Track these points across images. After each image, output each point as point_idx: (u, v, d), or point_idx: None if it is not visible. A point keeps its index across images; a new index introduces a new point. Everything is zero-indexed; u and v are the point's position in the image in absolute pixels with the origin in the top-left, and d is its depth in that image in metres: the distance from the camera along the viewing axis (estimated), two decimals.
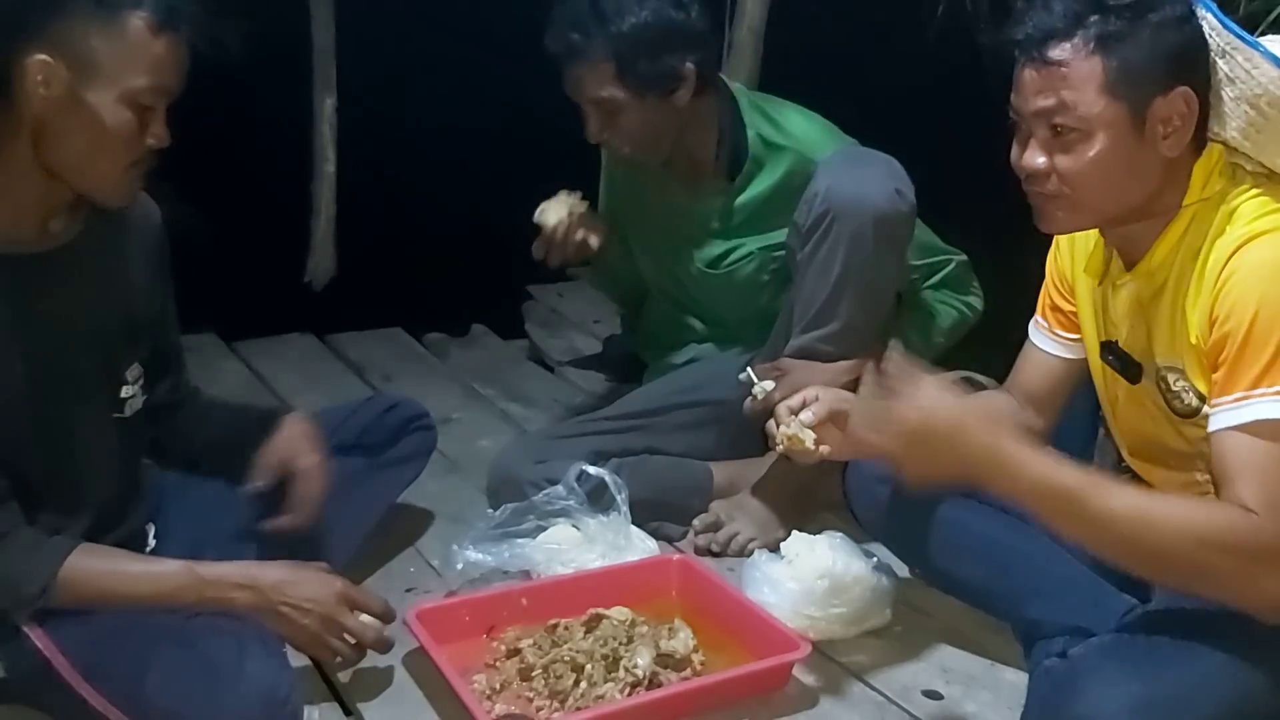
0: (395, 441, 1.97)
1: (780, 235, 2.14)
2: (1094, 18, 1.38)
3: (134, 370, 1.61)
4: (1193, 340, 1.42)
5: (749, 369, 1.97)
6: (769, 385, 1.96)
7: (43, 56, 1.37)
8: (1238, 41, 1.40)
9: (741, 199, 2.18)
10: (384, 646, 1.61)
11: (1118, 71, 1.38)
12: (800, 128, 2.15)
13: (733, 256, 2.22)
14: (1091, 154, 1.40)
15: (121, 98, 1.41)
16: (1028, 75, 1.43)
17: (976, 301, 2.24)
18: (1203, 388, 1.43)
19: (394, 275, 3.41)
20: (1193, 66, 1.41)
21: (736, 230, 2.21)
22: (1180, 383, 1.47)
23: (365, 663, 1.69)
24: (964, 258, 2.23)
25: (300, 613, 1.53)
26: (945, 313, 2.20)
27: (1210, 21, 1.41)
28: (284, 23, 3.21)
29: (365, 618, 1.59)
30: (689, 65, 2.05)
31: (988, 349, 2.10)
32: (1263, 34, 2.51)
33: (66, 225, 1.52)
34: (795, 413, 1.58)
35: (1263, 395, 1.33)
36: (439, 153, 3.54)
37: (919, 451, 1.39)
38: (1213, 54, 1.41)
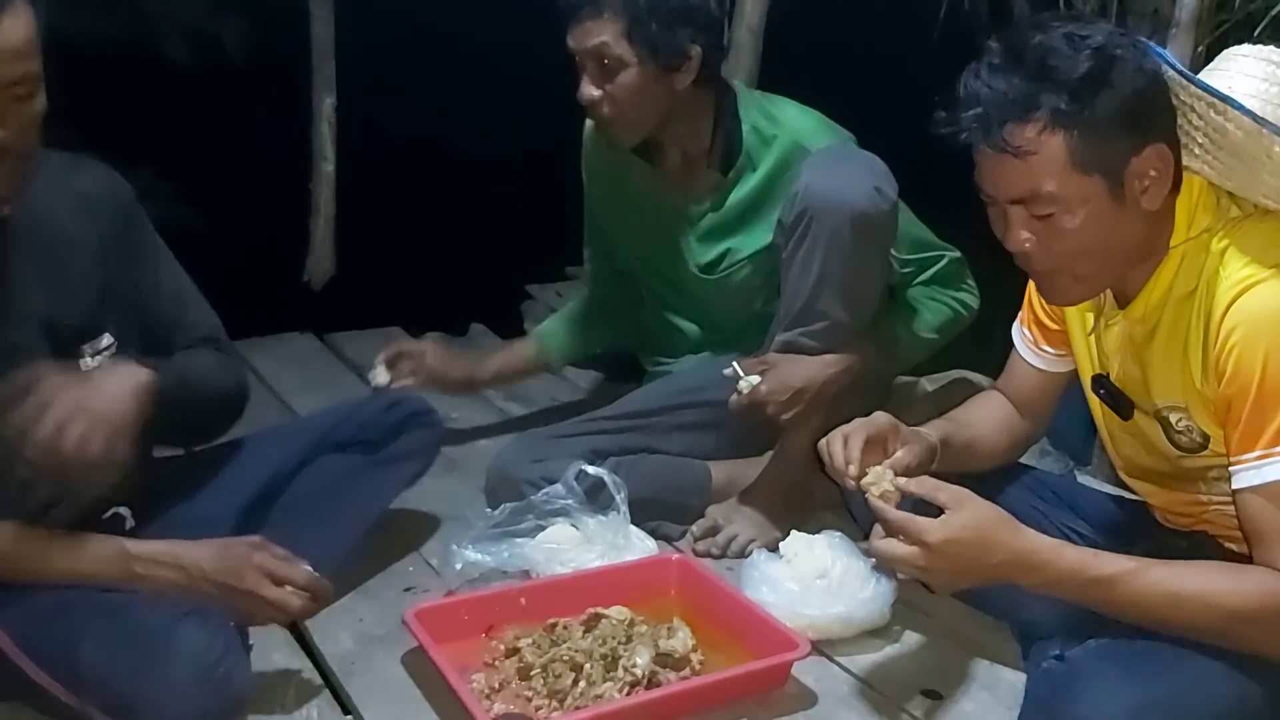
0: (395, 438, 1.94)
1: (770, 239, 2.12)
2: (1044, 96, 1.33)
3: (98, 343, 1.58)
4: (1198, 386, 1.41)
5: (735, 364, 1.98)
6: (755, 379, 1.97)
7: None
8: (1203, 94, 1.37)
9: (736, 194, 2.17)
10: (308, 614, 1.64)
11: (1084, 146, 1.34)
12: (793, 118, 2.15)
13: (728, 260, 2.21)
14: (1075, 228, 1.37)
15: None
16: (990, 162, 1.38)
17: (970, 299, 2.22)
18: (1208, 428, 1.44)
19: (393, 274, 3.42)
20: (1160, 119, 1.38)
21: (731, 230, 2.19)
22: (1184, 422, 1.47)
23: (365, 663, 1.70)
24: (957, 254, 2.21)
25: (222, 589, 1.53)
26: (936, 309, 2.19)
27: (1173, 77, 1.38)
28: (284, 23, 3.22)
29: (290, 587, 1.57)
30: (696, 48, 2.05)
31: (986, 349, 2.10)
32: (1261, 34, 2.53)
33: None
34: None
35: None
36: (438, 153, 3.54)
37: (947, 564, 1.38)
38: (1182, 106, 1.39)
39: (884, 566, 1.64)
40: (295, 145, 3.23)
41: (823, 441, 1.57)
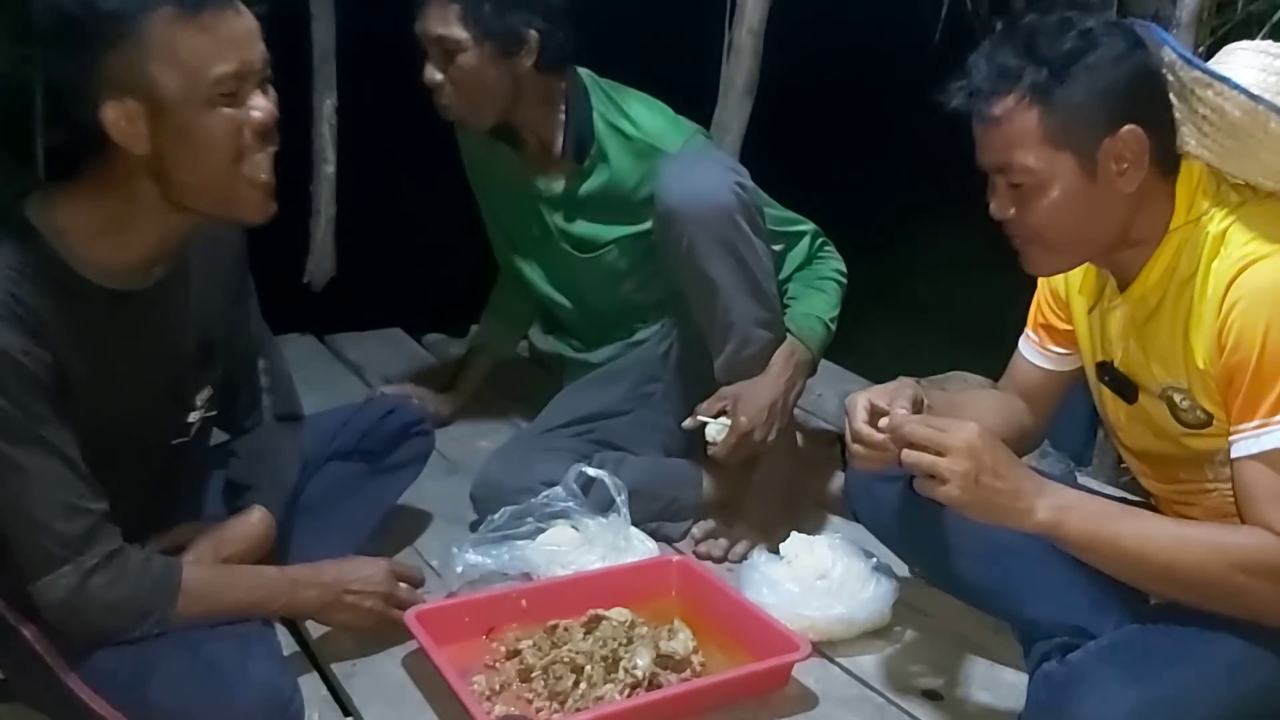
0: (395, 447, 1.97)
1: (634, 226, 2.18)
2: (1027, 70, 1.39)
3: (204, 394, 1.62)
4: (1200, 365, 1.43)
5: (694, 416, 2.00)
6: (724, 422, 1.97)
7: (114, 101, 1.33)
8: (1203, 75, 1.40)
9: (589, 184, 2.22)
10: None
11: (1058, 122, 1.39)
12: (644, 118, 2.18)
13: (591, 243, 2.26)
14: (1047, 203, 1.42)
15: (198, 104, 1.35)
16: (979, 132, 1.45)
17: (839, 264, 2.25)
18: (1209, 407, 1.45)
19: (393, 276, 3.41)
20: (1138, 102, 1.41)
21: (591, 215, 2.24)
22: (1185, 401, 1.48)
23: (366, 665, 1.70)
24: (812, 227, 2.24)
25: (363, 596, 1.66)
26: (826, 287, 2.20)
27: (1172, 57, 1.41)
28: (284, 23, 3.21)
29: (404, 585, 1.74)
30: (533, 32, 2.10)
31: (988, 349, 2.10)
32: (1265, 36, 2.53)
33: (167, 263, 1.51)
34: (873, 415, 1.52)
35: None
36: (438, 153, 3.54)
37: (970, 464, 1.37)
38: (1183, 86, 1.42)
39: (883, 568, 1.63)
40: (295, 146, 3.22)
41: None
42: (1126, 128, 1.39)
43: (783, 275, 2.19)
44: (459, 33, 2.08)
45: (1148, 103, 1.42)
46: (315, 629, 1.75)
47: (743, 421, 1.98)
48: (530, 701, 1.61)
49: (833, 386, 2.74)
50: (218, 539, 1.62)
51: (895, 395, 1.52)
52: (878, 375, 2.32)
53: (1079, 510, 1.41)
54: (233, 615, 1.52)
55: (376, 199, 3.40)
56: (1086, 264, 1.59)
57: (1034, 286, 1.75)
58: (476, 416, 2.64)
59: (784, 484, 2.14)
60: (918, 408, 1.53)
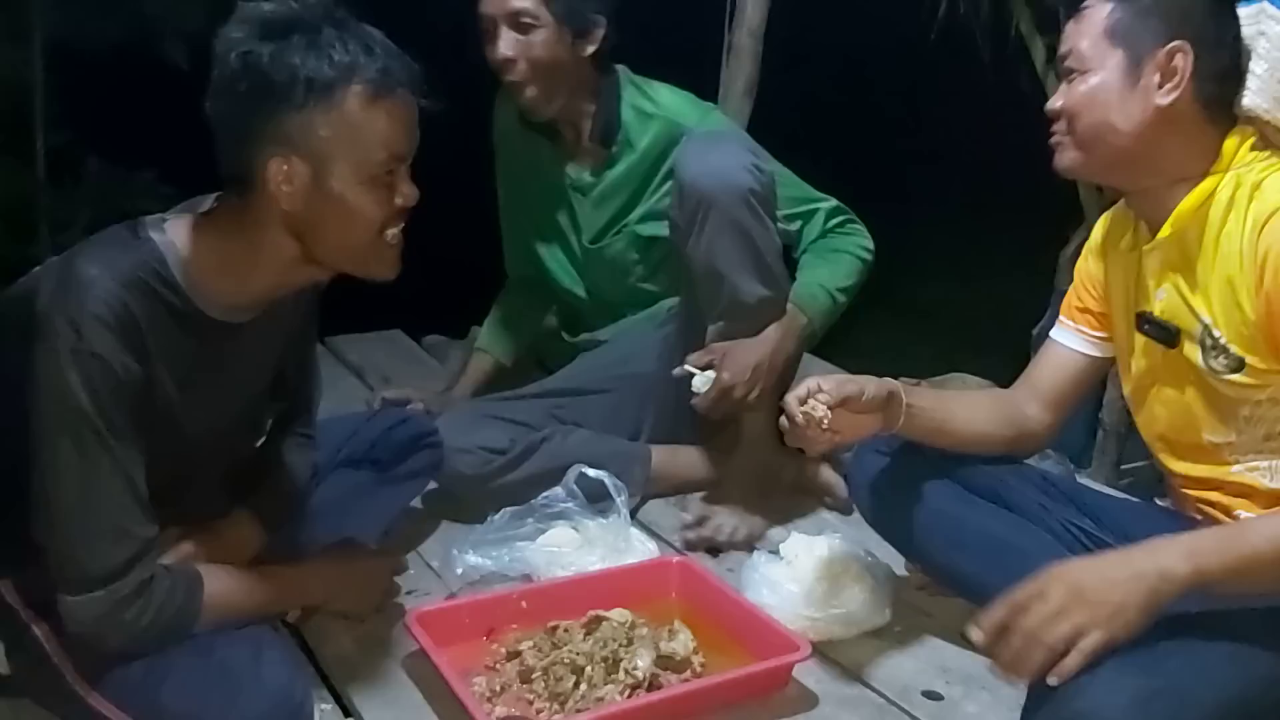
0: (404, 458, 1.98)
1: (651, 214, 2.24)
2: None
3: (271, 420, 1.69)
4: (1239, 302, 1.45)
5: (685, 364, 2.00)
6: (710, 375, 1.99)
7: (280, 158, 1.37)
8: (1274, 9, 1.46)
9: (617, 169, 2.27)
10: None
11: (1122, 20, 1.48)
12: (668, 99, 2.26)
13: (610, 231, 2.31)
14: (1086, 89, 1.50)
15: (361, 178, 1.41)
16: (1067, 28, 1.55)
17: (864, 240, 2.26)
18: (1241, 351, 1.47)
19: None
20: (1194, 24, 1.47)
21: (613, 203, 2.30)
22: (1222, 340, 1.50)
23: (366, 666, 1.70)
24: (834, 202, 2.26)
25: (362, 588, 1.78)
26: (841, 261, 2.21)
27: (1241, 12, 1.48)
28: None
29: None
30: (602, 19, 2.16)
31: (987, 353, 2.11)
32: None
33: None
34: (803, 402, 1.56)
35: None
36: (437, 154, 3.54)
37: (1076, 597, 1.30)
38: (1249, 30, 1.48)
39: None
40: None
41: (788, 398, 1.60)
42: (1177, 43, 1.46)
43: (799, 251, 2.23)
44: (539, 8, 2.12)
45: (1208, 33, 1.48)
46: (314, 629, 1.76)
47: (725, 377, 2.00)
48: (531, 703, 1.61)
49: None
50: (205, 544, 1.59)
51: (839, 383, 1.56)
52: (877, 369, 2.34)
53: (1194, 544, 1.32)
54: (249, 618, 1.53)
55: None
56: (1112, 220, 1.63)
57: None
58: None
59: (764, 468, 2.17)
60: (851, 404, 1.56)
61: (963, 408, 1.76)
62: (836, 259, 2.21)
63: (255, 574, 1.59)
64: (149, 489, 1.42)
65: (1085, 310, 1.74)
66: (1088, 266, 1.74)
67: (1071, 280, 1.79)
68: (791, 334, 2.10)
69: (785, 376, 2.13)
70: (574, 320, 2.54)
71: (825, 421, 1.54)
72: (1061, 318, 1.77)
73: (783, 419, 1.60)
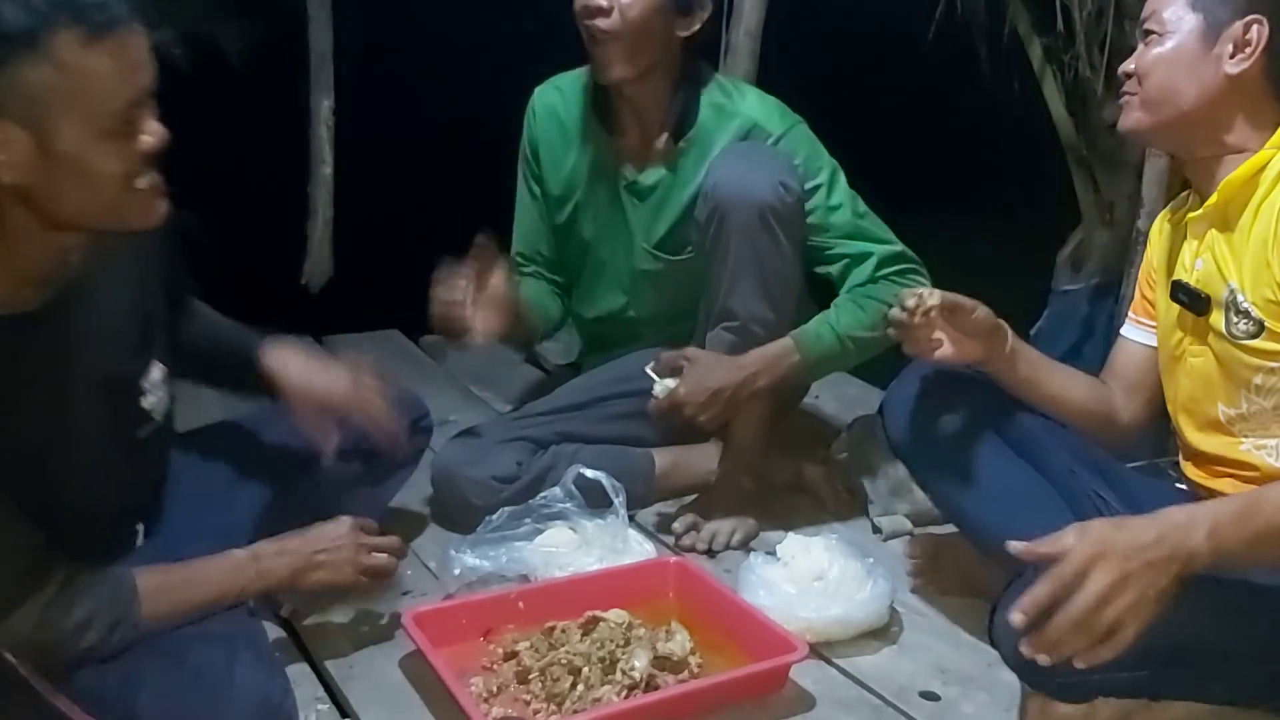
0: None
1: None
2: None
3: (154, 372, 1.55)
4: (1273, 265, 1.47)
5: (652, 363, 1.99)
6: (670, 383, 1.97)
7: None
8: None
9: (688, 168, 2.13)
10: (390, 573, 1.71)
11: None
12: (754, 101, 2.15)
13: (675, 240, 2.18)
14: (1160, 50, 1.55)
15: (93, 134, 1.23)
16: None
17: None
18: (1260, 313, 1.49)
19: (391, 278, 3.40)
20: (1273, 2, 1.51)
21: (681, 206, 2.15)
22: (1245, 304, 1.52)
23: (363, 667, 1.70)
24: (898, 248, 2.09)
25: (333, 552, 1.62)
26: (873, 309, 2.03)
27: None
28: (282, 25, 3.21)
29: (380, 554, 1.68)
30: (709, 6, 2.09)
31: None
32: None
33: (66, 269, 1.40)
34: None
35: None
36: (435, 155, 3.54)
37: (1122, 584, 1.26)
38: None
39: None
40: (293, 148, 3.22)
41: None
42: (1254, 17, 1.50)
43: (841, 291, 2.09)
44: None
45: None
46: (313, 630, 1.76)
47: (680, 391, 1.97)
48: (528, 703, 1.61)
49: (831, 389, 2.75)
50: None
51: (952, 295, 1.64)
52: (879, 378, 2.33)
53: (1215, 521, 1.28)
54: (209, 606, 1.48)
55: (374, 201, 3.40)
56: (1171, 206, 1.66)
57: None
58: (474, 419, 2.64)
59: (753, 471, 2.15)
60: (961, 316, 1.62)
61: (1060, 372, 1.79)
62: (865, 305, 2.04)
63: (200, 560, 1.53)
64: (53, 512, 1.36)
65: (1147, 300, 1.76)
66: (1148, 253, 1.77)
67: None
68: (774, 368, 2.01)
69: (771, 405, 2.10)
70: (599, 343, 2.41)
71: (934, 313, 1.61)
72: (1130, 315, 1.80)
73: (893, 310, 1.64)
